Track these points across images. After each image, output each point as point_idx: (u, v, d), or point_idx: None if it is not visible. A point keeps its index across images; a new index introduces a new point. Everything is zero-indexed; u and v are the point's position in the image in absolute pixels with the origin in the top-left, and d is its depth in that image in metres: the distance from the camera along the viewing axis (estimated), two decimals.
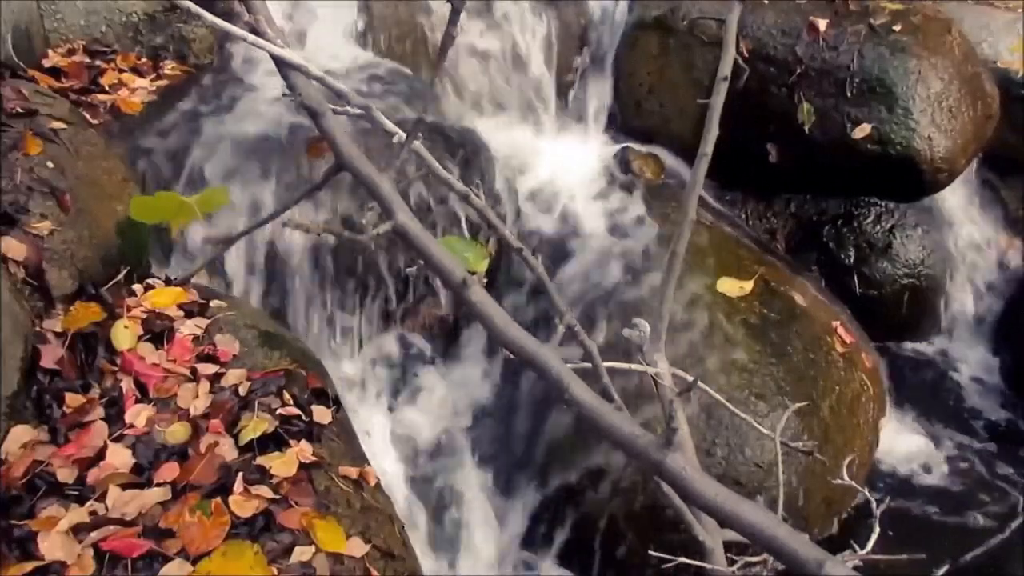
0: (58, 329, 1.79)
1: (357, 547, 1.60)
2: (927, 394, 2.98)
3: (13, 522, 1.49)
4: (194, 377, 1.80)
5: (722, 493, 0.99)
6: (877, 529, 1.34)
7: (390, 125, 0.83)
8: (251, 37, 0.76)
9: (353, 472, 1.75)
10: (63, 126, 2.10)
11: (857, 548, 1.31)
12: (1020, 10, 3.23)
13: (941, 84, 2.77)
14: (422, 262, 0.81)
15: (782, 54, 2.87)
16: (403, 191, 2.28)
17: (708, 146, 1.23)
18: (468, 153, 2.62)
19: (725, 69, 1.22)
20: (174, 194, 0.86)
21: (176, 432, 1.69)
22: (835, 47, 2.83)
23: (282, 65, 0.78)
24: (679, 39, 3.08)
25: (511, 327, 0.83)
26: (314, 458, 1.69)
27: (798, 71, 2.84)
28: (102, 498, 1.55)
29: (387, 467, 2.26)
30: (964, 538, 2.42)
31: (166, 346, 1.85)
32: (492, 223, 0.91)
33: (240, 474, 1.61)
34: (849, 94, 2.79)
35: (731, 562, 1.38)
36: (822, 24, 2.84)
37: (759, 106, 2.89)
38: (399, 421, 2.42)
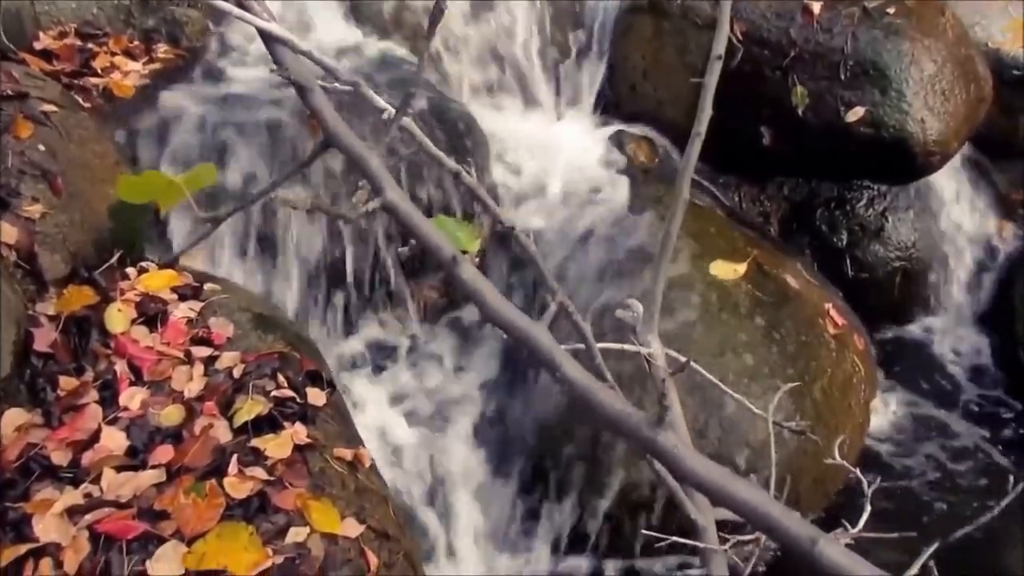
0: (51, 312, 1.80)
1: (352, 528, 1.61)
2: (918, 375, 2.99)
3: (8, 505, 1.50)
4: (188, 360, 1.81)
5: (715, 471, 0.99)
6: (868, 508, 1.34)
7: (379, 101, 0.82)
8: (236, 10, 0.76)
9: (348, 454, 1.76)
10: (54, 109, 2.10)
11: (849, 527, 1.32)
12: None
13: (934, 67, 2.76)
14: (413, 241, 0.81)
15: (776, 37, 2.86)
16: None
17: (702, 126, 1.22)
18: (460, 134, 2.62)
19: (719, 48, 1.21)
20: (161, 173, 0.85)
21: (170, 415, 1.69)
22: (829, 30, 2.82)
23: (269, 40, 0.78)
24: (673, 23, 3.07)
25: (502, 305, 0.83)
26: (308, 440, 1.70)
27: (792, 54, 2.84)
28: (96, 481, 1.56)
29: (379, 447, 2.27)
30: (954, 516, 2.44)
31: (160, 329, 1.85)
32: (483, 201, 0.91)
33: (234, 456, 1.62)
34: (843, 77, 2.79)
35: (723, 541, 1.39)
36: (816, 7, 2.83)
37: (753, 89, 2.88)
38: (392, 402, 2.42)
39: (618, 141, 3.04)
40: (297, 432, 1.70)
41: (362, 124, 2.32)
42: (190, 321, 1.89)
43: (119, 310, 1.84)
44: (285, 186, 2.16)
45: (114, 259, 1.97)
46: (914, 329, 3.15)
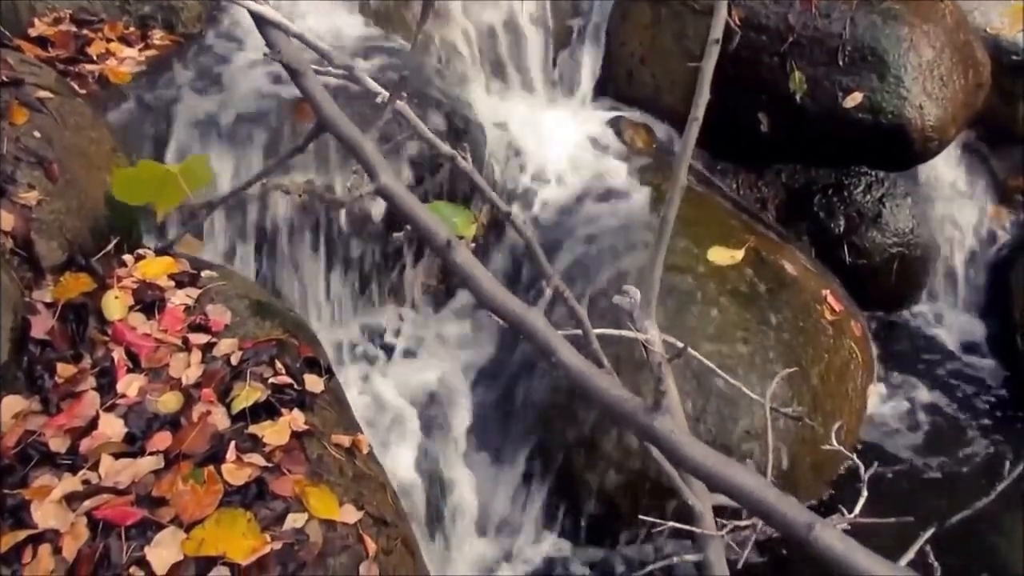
0: (48, 300, 1.79)
1: (350, 514, 1.61)
2: (915, 361, 3.00)
3: (6, 491, 1.50)
4: (186, 347, 1.80)
5: (711, 456, 1.00)
6: (865, 493, 1.35)
7: (373, 84, 0.82)
8: None
9: (345, 440, 1.76)
10: (50, 96, 2.08)
11: (845, 512, 1.32)
12: None
13: (933, 52, 2.76)
14: (408, 226, 0.81)
15: (774, 23, 2.86)
16: None
17: (699, 110, 1.22)
18: (458, 120, 2.61)
19: (716, 32, 1.21)
20: (155, 164, 0.85)
21: (168, 401, 1.69)
22: (827, 15, 2.81)
23: (262, 23, 0.77)
24: (671, 8, 3.06)
25: (497, 290, 0.83)
26: (306, 426, 1.70)
27: (790, 40, 2.83)
28: (95, 467, 1.56)
29: (377, 434, 2.27)
30: (951, 501, 2.45)
31: (157, 316, 1.84)
32: (480, 186, 0.91)
33: (232, 443, 1.62)
34: (841, 63, 2.78)
35: (720, 526, 1.39)
36: None
37: (751, 75, 2.88)
38: (389, 387, 2.43)
39: (616, 127, 3.03)
40: (295, 419, 1.70)
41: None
42: (187, 308, 1.88)
43: (116, 297, 1.83)
44: None
45: (111, 246, 1.96)
46: (911, 315, 3.16)
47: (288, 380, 1.78)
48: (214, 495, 1.53)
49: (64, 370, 1.70)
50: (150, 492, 1.53)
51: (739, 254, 2.50)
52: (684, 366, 2.23)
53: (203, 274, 1.99)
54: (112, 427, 1.63)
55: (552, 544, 2.33)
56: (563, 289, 0.97)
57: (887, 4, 2.80)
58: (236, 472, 1.57)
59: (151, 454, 1.59)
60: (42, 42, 2.48)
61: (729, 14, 2.81)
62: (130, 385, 1.70)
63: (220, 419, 1.67)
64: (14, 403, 1.62)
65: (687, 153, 1.25)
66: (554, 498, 2.31)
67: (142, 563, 1.43)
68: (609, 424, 2.24)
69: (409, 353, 2.52)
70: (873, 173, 3.05)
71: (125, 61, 2.54)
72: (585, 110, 3.16)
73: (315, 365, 1.88)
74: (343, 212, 2.34)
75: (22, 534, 1.44)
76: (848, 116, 2.77)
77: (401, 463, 2.27)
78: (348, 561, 1.56)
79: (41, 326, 1.74)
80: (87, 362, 1.74)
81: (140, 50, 2.61)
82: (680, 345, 1.18)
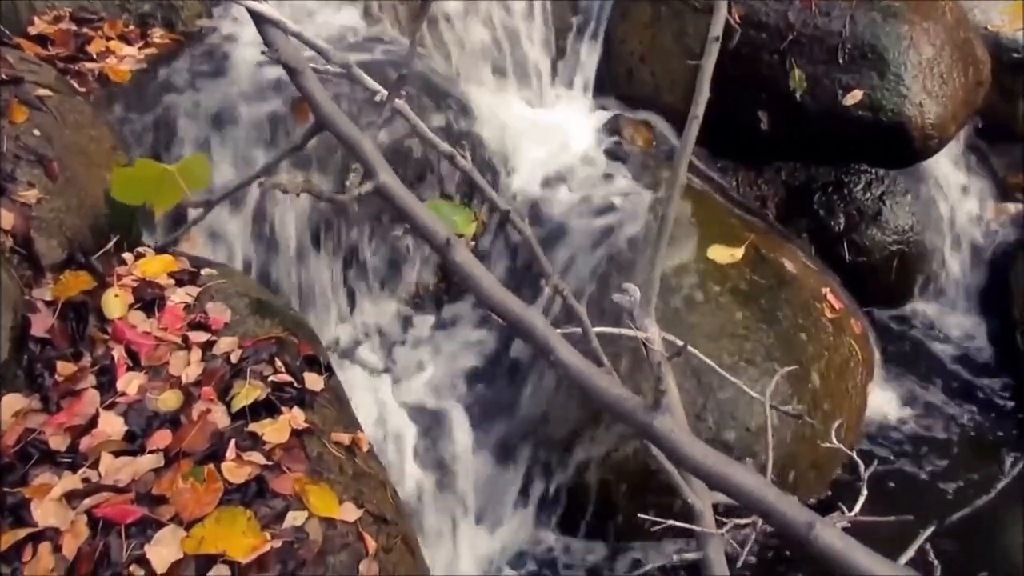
0: (48, 298, 1.79)
1: (350, 512, 1.61)
2: (915, 359, 3.00)
3: (6, 489, 1.50)
4: (186, 345, 1.80)
5: (711, 455, 1.00)
6: (865, 492, 1.35)
7: (371, 83, 0.82)
8: None
9: (345, 438, 1.76)
10: (50, 94, 2.08)
11: (845, 510, 1.32)
12: None
13: (933, 50, 2.75)
14: (407, 225, 0.80)
15: (774, 20, 2.85)
16: None
17: (699, 108, 1.22)
18: (457, 118, 2.61)
19: (716, 30, 1.21)
20: (153, 162, 0.85)
21: (168, 399, 1.69)
22: (827, 13, 2.81)
23: (259, 21, 0.77)
24: (671, 7, 3.05)
25: (496, 289, 0.83)
26: (306, 424, 1.70)
27: (790, 37, 2.82)
28: (95, 465, 1.56)
29: (378, 433, 2.27)
30: (951, 499, 2.45)
31: (157, 314, 1.85)
32: (479, 185, 0.91)
33: (232, 441, 1.62)
34: (841, 60, 2.78)
35: (721, 524, 1.39)
36: None
37: (751, 73, 2.87)
38: (390, 387, 2.43)
39: (616, 125, 3.03)
40: (295, 417, 1.70)
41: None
42: (187, 306, 1.88)
43: (116, 295, 1.84)
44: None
45: (111, 244, 1.97)
46: (911, 312, 3.16)
47: (288, 378, 1.78)
48: (214, 493, 1.54)
49: (64, 368, 1.70)
50: (150, 490, 1.53)
51: (739, 252, 2.50)
52: (684, 364, 2.23)
53: (203, 272, 1.99)
54: (112, 425, 1.63)
55: (552, 541, 2.33)
56: (562, 287, 0.97)
57: (887, 2, 2.79)
58: (236, 470, 1.58)
59: (151, 452, 1.60)
60: (42, 40, 2.48)
61: (729, 12, 2.81)
62: (130, 383, 1.70)
63: (220, 417, 1.67)
64: (14, 401, 1.63)
65: (687, 151, 1.25)
66: (554, 495, 2.31)
67: (142, 561, 1.44)
68: (610, 422, 2.24)
69: (411, 349, 2.52)
70: (873, 171, 3.05)
71: (125, 59, 2.54)
72: (585, 108, 3.15)
73: (315, 363, 1.88)
74: (343, 210, 2.35)
75: (22, 532, 1.45)
76: (848, 114, 2.77)
77: (401, 461, 2.27)
78: (348, 559, 1.56)
79: (41, 324, 1.74)
80: (87, 360, 1.74)
81: (140, 48, 2.60)
82: (680, 343, 1.18)
